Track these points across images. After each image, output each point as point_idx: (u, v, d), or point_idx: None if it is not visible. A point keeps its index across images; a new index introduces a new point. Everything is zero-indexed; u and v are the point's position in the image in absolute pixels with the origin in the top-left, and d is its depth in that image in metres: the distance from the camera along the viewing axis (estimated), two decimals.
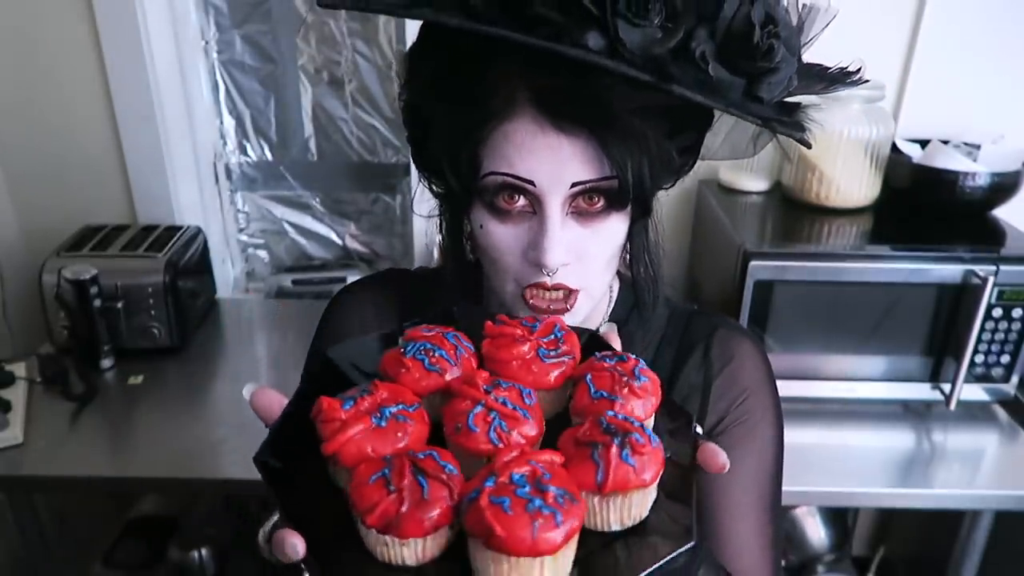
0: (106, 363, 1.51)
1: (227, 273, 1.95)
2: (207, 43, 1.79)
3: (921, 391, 1.35)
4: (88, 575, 1.68)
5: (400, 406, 0.47)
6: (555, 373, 0.51)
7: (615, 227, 0.62)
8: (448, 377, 0.51)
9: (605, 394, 0.48)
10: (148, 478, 1.27)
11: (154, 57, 1.59)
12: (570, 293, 0.62)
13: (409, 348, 0.52)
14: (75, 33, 1.55)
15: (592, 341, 0.58)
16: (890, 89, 1.52)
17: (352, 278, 1.91)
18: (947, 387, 1.32)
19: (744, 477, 0.70)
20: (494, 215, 0.61)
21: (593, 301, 0.66)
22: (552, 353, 0.52)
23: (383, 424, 0.46)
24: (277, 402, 0.51)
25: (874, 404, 1.38)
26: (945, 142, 1.42)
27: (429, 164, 0.64)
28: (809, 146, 0.58)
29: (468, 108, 0.57)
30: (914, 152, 1.44)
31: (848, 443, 1.34)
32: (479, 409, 0.46)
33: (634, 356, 0.52)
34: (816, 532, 1.74)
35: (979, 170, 1.32)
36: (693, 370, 0.73)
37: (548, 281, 0.61)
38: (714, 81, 0.51)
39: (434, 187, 0.67)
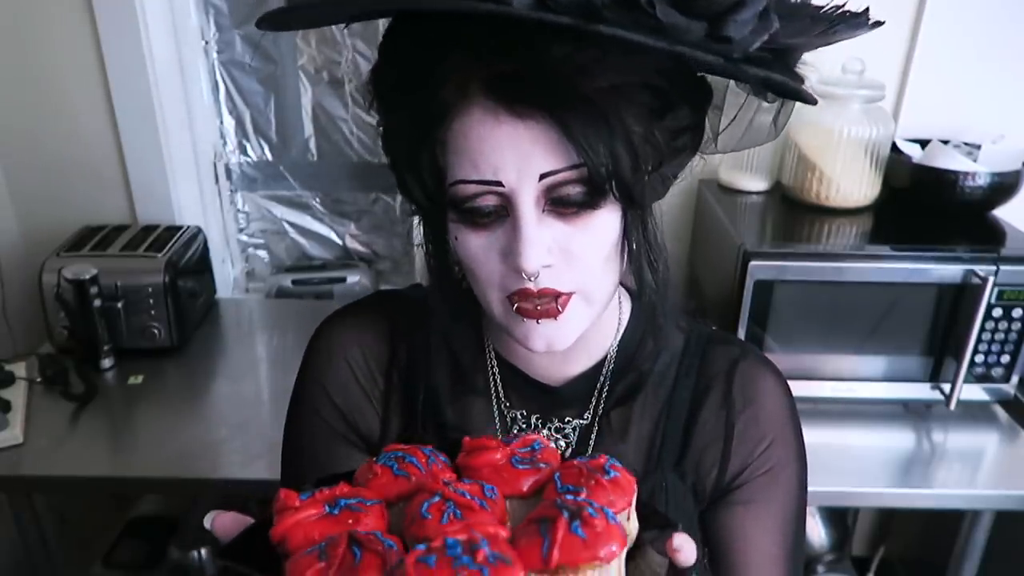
0: (106, 363, 1.51)
1: (227, 273, 1.95)
2: (207, 43, 1.79)
3: (921, 391, 1.35)
4: (88, 575, 1.68)
5: (358, 499, 0.46)
6: (527, 480, 0.48)
7: (605, 222, 0.55)
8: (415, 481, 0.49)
9: (571, 487, 0.45)
10: (148, 478, 1.26)
11: (154, 57, 1.59)
12: (559, 296, 0.56)
13: (381, 457, 0.50)
14: (75, 33, 1.55)
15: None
16: (890, 89, 1.52)
17: (352, 278, 1.92)
18: (947, 387, 1.32)
19: (770, 527, 0.68)
20: (467, 224, 0.56)
21: (593, 308, 0.59)
22: (526, 461, 0.48)
23: (335, 512, 0.44)
24: (239, 523, 0.48)
25: (874, 404, 1.38)
26: (945, 142, 1.42)
27: (400, 184, 0.59)
28: (814, 102, 0.52)
29: (422, 111, 0.53)
30: (914, 152, 1.44)
31: (848, 443, 1.34)
32: (435, 499, 0.44)
33: (605, 455, 0.48)
34: (816, 532, 1.74)
35: (979, 170, 1.32)
36: (713, 412, 0.68)
37: (532, 287, 0.55)
38: (665, 26, 0.45)
39: (414, 211, 0.61)
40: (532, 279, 0.55)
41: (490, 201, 0.54)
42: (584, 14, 0.45)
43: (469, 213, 0.55)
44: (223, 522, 0.47)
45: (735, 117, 0.61)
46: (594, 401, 0.69)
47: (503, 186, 0.52)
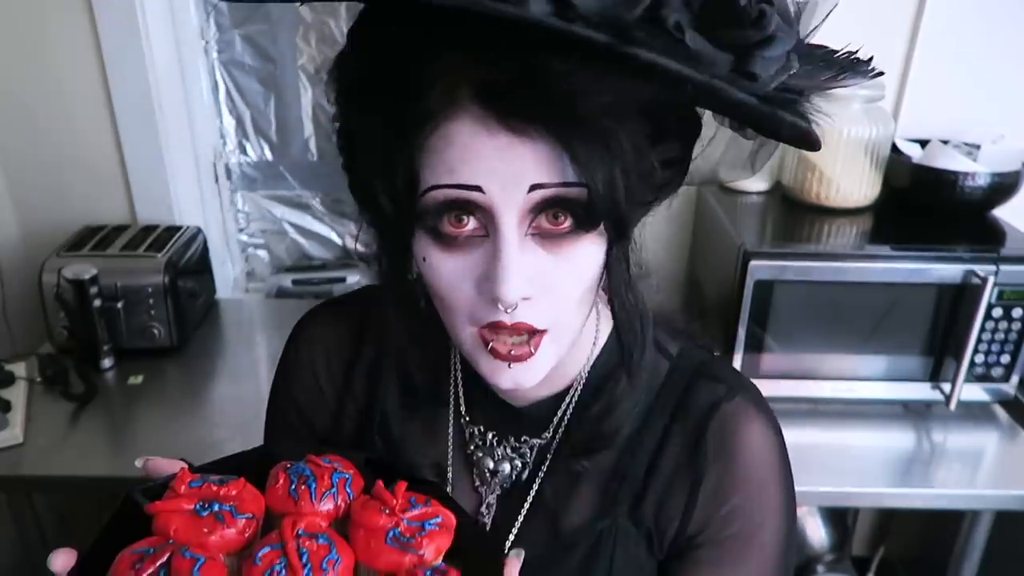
0: (106, 363, 1.51)
1: (227, 273, 1.95)
2: (207, 43, 1.79)
3: (921, 391, 1.35)
4: None
5: (231, 508, 0.48)
6: (386, 559, 0.48)
7: (587, 253, 0.51)
8: (299, 506, 0.50)
9: None
10: (148, 478, 1.26)
11: (154, 57, 1.59)
12: (534, 334, 0.52)
13: (295, 466, 0.52)
14: (75, 33, 1.55)
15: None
16: (890, 89, 1.52)
17: (352, 278, 1.92)
18: (947, 387, 1.32)
19: None
20: (439, 244, 0.50)
21: (560, 347, 0.55)
22: (402, 539, 0.48)
23: (203, 514, 0.47)
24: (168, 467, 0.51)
25: (874, 404, 1.38)
26: (945, 142, 1.42)
27: (361, 188, 0.53)
28: (818, 147, 0.47)
29: (402, 112, 0.48)
30: (914, 152, 1.44)
31: (848, 443, 1.34)
32: (275, 548, 0.46)
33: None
34: (816, 532, 1.74)
35: (979, 170, 1.32)
36: (681, 459, 0.62)
37: (507, 320, 0.50)
38: (693, 53, 0.41)
39: (372, 220, 0.55)
40: (509, 311, 0.50)
41: (467, 217, 0.49)
42: (616, 32, 0.40)
43: (442, 226, 0.50)
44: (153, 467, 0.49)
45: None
46: (554, 424, 0.65)
47: (482, 192, 0.47)
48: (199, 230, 1.70)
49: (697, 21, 0.42)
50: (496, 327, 0.51)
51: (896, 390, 1.36)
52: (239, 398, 1.46)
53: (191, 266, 1.62)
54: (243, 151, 1.91)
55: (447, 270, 0.51)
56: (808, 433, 1.34)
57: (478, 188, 0.47)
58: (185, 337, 1.59)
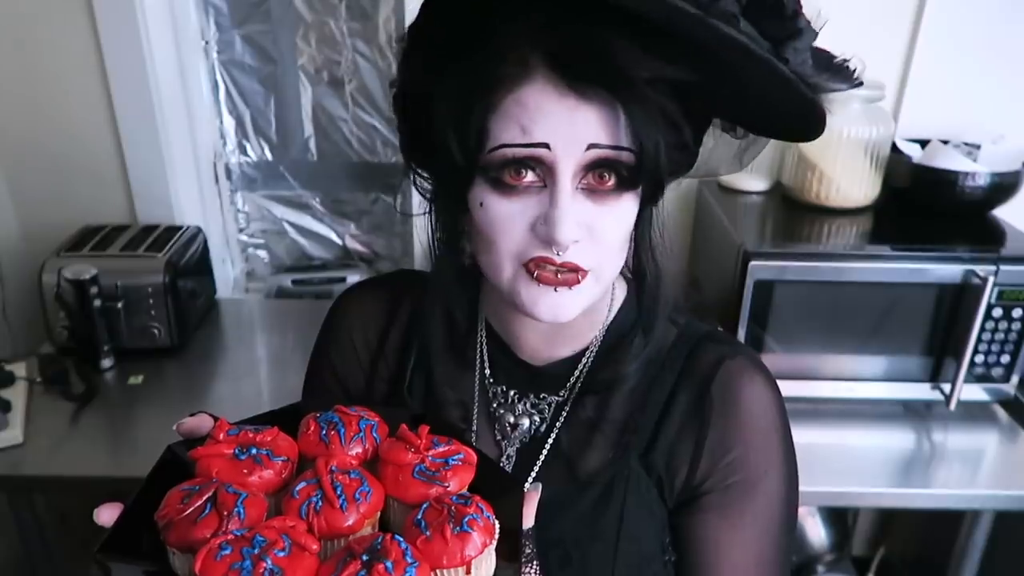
0: (106, 363, 1.51)
1: (227, 273, 1.95)
2: (207, 43, 1.79)
3: (921, 391, 1.35)
4: (88, 575, 1.68)
5: (267, 452, 0.51)
6: (413, 493, 0.51)
7: (627, 208, 0.58)
8: (329, 450, 0.53)
9: (423, 523, 0.48)
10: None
11: (154, 57, 1.59)
12: (579, 270, 0.58)
13: (324, 414, 0.55)
14: (75, 33, 1.55)
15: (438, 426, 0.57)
16: (890, 89, 1.52)
17: (352, 278, 1.92)
18: (947, 387, 1.32)
19: (746, 538, 0.66)
20: (497, 190, 0.56)
21: (599, 287, 0.61)
22: (427, 473, 0.52)
23: (241, 457, 0.50)
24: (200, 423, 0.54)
25: (874, 404, 1.38)
26: (945, 142, 1.42)
27: (425, 147, 0.60)
28: (816, 135, 0.56)
29: (476, 76, 0.54)
30: (914, 152, 1.44)
31: (848, 443, 1.34)
32: (311, 483, 0.49)
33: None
34: (816, 532, 1.74)
35: (979, 170, 1.32)
36: (688, 410, 0.67)
37: (556, 258, 0.57)
38: (746, 37, 0.48)
39: (423, 180, 0.64)
40: (561, 252, 0.56)
41: (527, 170, 0.56)
42: (726, 20, 0.47)
43: (504, 176, 0.56)
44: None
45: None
46: (571, 382, 0.70)
47: (549, 149, 0.54)
48: (199, 230, 1.70)
49: (744, 11, 0.48)
50: (544, 261, 0.57)
51: (896, 390, 1.36)
52: (239, 398, 1.46)
53: (191, 266, 1.62)
54: (243, 151, 1.91)
55: (503, 212, 0.57)
56: (808, 433, 1.34)
57: (546, 145, 0.54)
58: (185, 337, 1.59)
